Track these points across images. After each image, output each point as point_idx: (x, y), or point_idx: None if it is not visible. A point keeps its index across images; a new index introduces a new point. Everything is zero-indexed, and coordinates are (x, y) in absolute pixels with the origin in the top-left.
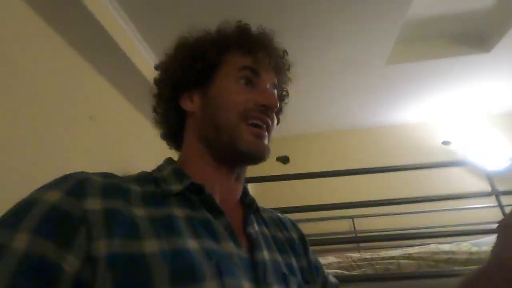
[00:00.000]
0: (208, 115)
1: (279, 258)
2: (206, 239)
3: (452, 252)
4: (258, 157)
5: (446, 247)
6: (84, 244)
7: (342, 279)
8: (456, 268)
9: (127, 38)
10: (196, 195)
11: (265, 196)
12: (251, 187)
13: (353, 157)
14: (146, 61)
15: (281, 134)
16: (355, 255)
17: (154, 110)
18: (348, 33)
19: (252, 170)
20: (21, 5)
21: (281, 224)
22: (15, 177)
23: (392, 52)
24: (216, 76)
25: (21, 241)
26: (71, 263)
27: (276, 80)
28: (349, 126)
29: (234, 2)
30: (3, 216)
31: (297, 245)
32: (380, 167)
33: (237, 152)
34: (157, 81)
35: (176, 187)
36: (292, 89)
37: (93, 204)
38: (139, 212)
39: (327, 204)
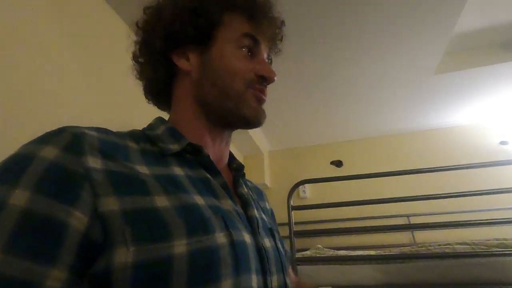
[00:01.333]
0: (210, 79)
1: (263, 216)
2: (207, 196)
3: (503, 238)
4: (257, 122)
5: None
6: (90, 201)
7: (402, 256)
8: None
9: None
10: (192, 155)
11: (323, 196)
12: (309, 187)
13: (405, 160)
14: None
15: (335, 140)
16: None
17: (134, 59)
18: (399, 46)
19: (310, 173)
20: None
21: (259, 193)
22: None
23: (441, 62)
24: (217, 37)
25: (19, 198)
26: (78, 219)
27: (269, 49)
28: (400, 130)
29: None
30: None
31: (270, 215)
32: (437, 168)
33: (240, 116)
34: (145, 26)
35: (174, 146)
36: (345, 98)
37: (94, 163)
38: (142, 169)
39: (383, 199)
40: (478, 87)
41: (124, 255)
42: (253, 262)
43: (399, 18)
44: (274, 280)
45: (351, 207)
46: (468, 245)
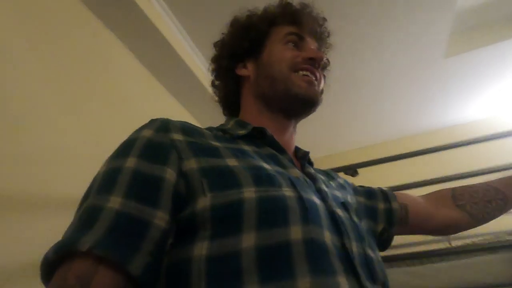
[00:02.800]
0: (263, 73)
1: (336, 193)
2: (274, 165)
3: None
4: (310, 99)
5: None
6: (176, 162)
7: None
8: None
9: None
10: (259, 139)
11: None
12: None
13: (422, 163)
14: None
15: (347, 148)
16: None
17: (212, 84)
18: (399, 36)
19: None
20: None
21: (328, 174)
22: None
23: (449, 45)
24: (266, 44)
25: (130, 163)
26: (170, 174)
27: (317, 45)
28: (415, 130)
29: None
30: (114, 151)
31: (346, 188)
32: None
33: (292, 97)
34: (215, 57)
35: (241, 131)
36: (350, 101)
37: (177, 136)
38: (215, 144)
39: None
40: (492, 68)
41: (203, 201)
42: (325, 220)
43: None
44: (354, 246)
45: None
46: None
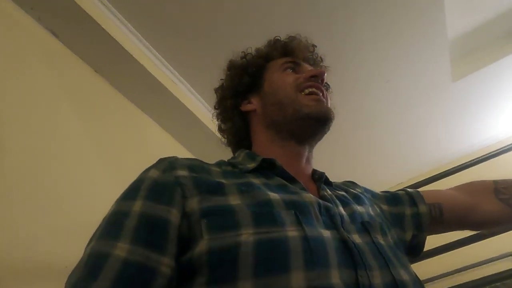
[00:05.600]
0: (269, 101)
1: (357, 209)
2: (284, 193)
3: None
4: (323, 116)
5: None
6: (181, 202)
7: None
8: None
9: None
10: (269, 171)
11: None
12: None
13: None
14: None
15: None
16: None
17: (219, 129)
18: (404, 70)
19: None
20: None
21: (348, 188)
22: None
23: (454, 69)
24: (266, 76)
25: (137, 206)
26: (175, 216)
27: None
28: (447, 160)
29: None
30: (123, 192)
31: (366, 197)
32: None
33: (304, 118)
34: (219, 101)
35: (251, 165)
36: (374, 143)
37: (182, 172)
38: (221, 180)
39: None
40: (505, 82)
41: (201, 244)
42: (334, 257)
43: (393, 37)
44: (376, 275)
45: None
46: None
